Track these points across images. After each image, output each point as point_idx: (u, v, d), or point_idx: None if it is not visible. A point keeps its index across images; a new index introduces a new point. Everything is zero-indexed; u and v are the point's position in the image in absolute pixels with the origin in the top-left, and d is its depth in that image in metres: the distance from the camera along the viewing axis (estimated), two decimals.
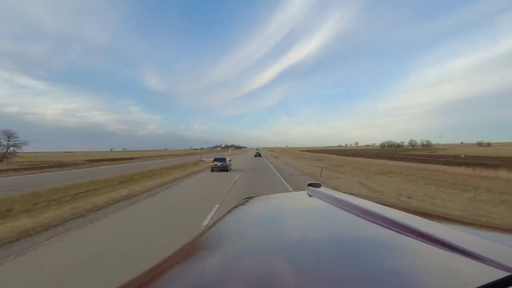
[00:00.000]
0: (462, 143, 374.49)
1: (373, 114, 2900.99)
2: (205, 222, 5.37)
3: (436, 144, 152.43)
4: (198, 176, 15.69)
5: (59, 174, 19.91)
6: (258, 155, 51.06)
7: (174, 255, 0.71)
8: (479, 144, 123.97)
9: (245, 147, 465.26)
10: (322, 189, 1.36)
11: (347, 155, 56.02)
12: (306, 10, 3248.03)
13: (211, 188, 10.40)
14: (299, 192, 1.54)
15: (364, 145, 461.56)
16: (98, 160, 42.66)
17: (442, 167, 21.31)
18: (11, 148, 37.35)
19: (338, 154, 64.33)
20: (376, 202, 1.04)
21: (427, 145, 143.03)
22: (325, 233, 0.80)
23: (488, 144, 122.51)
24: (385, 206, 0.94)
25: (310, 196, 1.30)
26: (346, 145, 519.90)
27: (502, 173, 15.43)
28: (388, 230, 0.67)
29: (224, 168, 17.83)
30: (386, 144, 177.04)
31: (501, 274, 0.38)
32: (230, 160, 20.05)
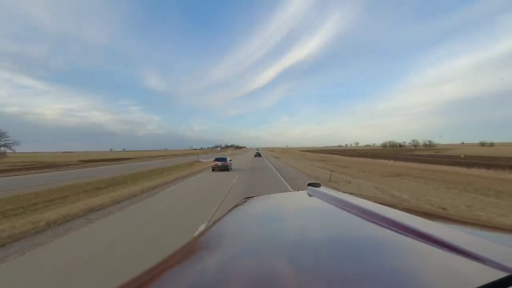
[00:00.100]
0: (463, 143, 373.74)
1: (373, 114, 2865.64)
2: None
3: (437, 144, 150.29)
4: (189, 180, 14.18)
5: (45, 176, 18.49)
6: (258, 155, 50.38)
7: (174, 255, 0.71)
8: (482, 144, 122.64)
9: (245, 147, 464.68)
10: (322, 189, 1.36)
11: (350, 155, 54.69)
12: (306, 10, 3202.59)
13: (196, 203, 8.87)
14: (299, 192, 1.52)
15: (365, 145, 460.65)
16: (93, 161, 41.15)
17: (457, 169, 19.85)
18: (1, 148, 35.94)
19: (339, 154, 62.99)
20: (376, 202, 1.03)
21: (429, 145, 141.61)
22: (325, 233, 0.80)
23: (491, 144, 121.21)
24: (385, 206, 0.94)
25: (310, 195, 1.30)
26: (346, 145, 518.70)
27: None
28: (387, 230, 0.67)
29: (225, 168, 18.00)
30: (388, 144, 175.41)
31: (500, 275, 0.38)
32: (230, 160, 20.19)
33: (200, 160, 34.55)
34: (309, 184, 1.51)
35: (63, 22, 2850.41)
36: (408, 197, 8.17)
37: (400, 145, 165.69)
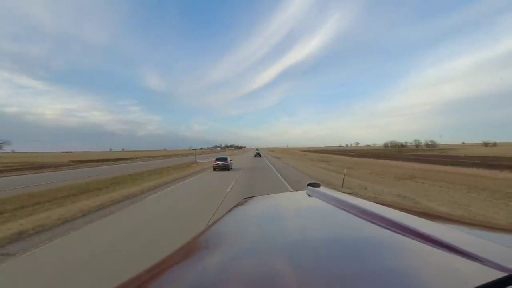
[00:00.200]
0: (463, 143, 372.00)
1: (373, 114, 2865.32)
2: None
3: (437, 144, 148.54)
4: (180, 184, 12.71)
5: (27, 178, 17.01)
6: (258, 155, 49.30)
7: (174, 254, 0.70)
8: (485, 144, 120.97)
9: (245, 147, 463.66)
10: (322, 189, 1.36)
11: (351, 156, 53.28)
12: (307, 10, 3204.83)
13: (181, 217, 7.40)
14: (298, 192, 1.52)
15: (365, 145, 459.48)
16: (87, 161, 39.65)
17: (474, 170, 18.38)
18: None
19: (340, 154, 61.60)
20: (375, 202, 1.04)
21: (431, 145, 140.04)
22: (325, 233, 0.80)
23: (494, 144, 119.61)
24: (384, 206, 0.94)
25: (309, 196, 1.30)
26: (346, 145, 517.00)
27: None
28: (386, 230, 0.68)
29: (226, 167, 18.26)
30: (389, 144, 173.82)
31: (499, 275, 0.38)
32: (231, 160, 20.43)
33: (198, 161, 32.46)
34: (309, 184, 1.51)
35: (63, 22, 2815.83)
36: (447, 210, 6.65)
37: (402, 145, 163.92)
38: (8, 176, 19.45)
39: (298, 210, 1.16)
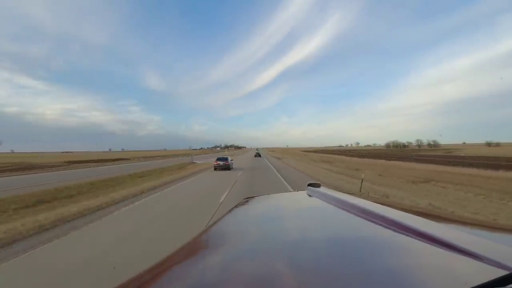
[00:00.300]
0: (464, 143, 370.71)
1: (373, 114, 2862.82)
2: None
3: (440, 144, 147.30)
4: (173, 187, 11.35)
5: (11, 180, 15.64)
6: (258, 155, 48.24)
7: (174, 254, 0.70)
8: (488, 144, 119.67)
9: (244, 147, 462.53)
10: (322, 189, 1.36)
11: (353, 156, 51.90)
12: (307, 10, 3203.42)
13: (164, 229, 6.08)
14: (299, 192, 1.52)
15: (365, 145, 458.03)
16: (83, 162, 38.26)
17: (493, 173, 16.97)
18: None
19: (342, 155, 60.19)
20: (375, 202, 1.03)
21: (433, 145, 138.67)
22: (325, 233, 0.80)
23: (497, 144, 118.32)
24: (384, 206, 0.94)
25: (310, 196, 1.30)
26: (346, 145, 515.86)
27: None
28: (387, 230, 0.68)
29: (227, 167, 18.40)
30: (391, 144, 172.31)
31: (499, 273, 0.38)
32: (231, 160, 20.45)
33: (195, 161, 29.95)
34: (309, 184, 1.50)
35: (63, 22, 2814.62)
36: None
37: (404, 145, 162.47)
38: None
39: (298, 210, 1.16)
